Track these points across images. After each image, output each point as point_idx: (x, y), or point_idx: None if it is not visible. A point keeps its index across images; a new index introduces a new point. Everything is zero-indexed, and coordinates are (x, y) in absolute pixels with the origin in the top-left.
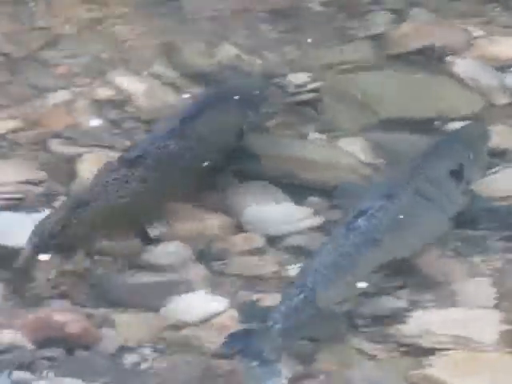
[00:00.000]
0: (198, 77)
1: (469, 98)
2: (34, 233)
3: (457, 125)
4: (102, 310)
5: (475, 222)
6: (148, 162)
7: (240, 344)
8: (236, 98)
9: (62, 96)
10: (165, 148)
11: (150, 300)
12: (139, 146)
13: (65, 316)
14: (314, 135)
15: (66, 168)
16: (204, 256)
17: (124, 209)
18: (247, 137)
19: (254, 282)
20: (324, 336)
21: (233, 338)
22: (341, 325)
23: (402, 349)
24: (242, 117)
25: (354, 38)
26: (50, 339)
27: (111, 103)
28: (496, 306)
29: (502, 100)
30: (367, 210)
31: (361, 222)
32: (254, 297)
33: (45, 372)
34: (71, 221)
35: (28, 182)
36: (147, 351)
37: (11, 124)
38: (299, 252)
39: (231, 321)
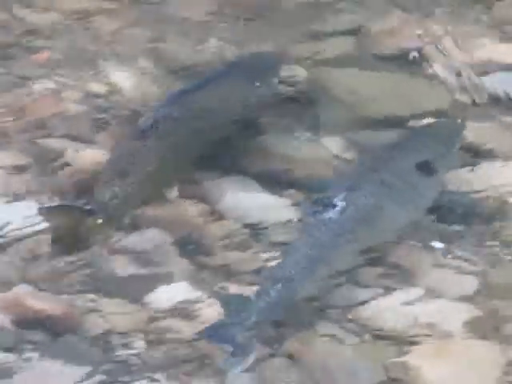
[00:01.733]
0: (182, 71)
1: (443, 95)
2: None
3: (430, 121)
4: (87, 296)
5: (444, 214)
6: (161, 131)
7: (217, 332)
8: (247, 70)
9: (47, 85)
10: (175, 117)
11: (134, 290)
12: (153, 115)
13: (46, 299)
14: (298, 132)
15: (52, 157)
16: (184, 245)
17: (153, 179)
18: (259, 108)
19: (234, 272)
20: (296, 324)
21: (211, 327)
22: (312, 314)
23: (375, 337)
24: (251, 89)
25: (333, 36)
26: (32, 322)
27: (97, 94)
28: (463, 296)
29: (478, 99)
30: (338, 202)
31: (333, 213)
32: (232, 287)
33: (28, 354)
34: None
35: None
36: (130, 337)
37: None
38: (277, 243)
39: (210, 310)
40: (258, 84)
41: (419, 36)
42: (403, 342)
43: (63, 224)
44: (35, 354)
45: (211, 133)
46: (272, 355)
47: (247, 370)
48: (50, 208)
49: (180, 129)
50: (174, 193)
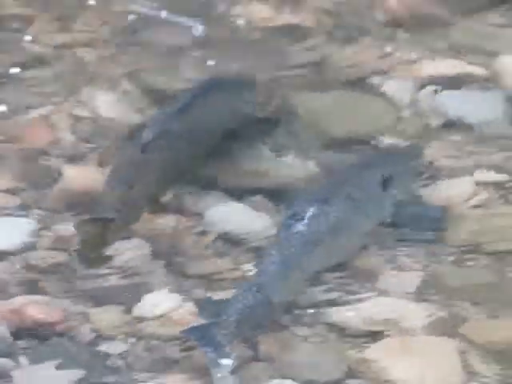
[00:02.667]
0: (159, 97)
1: (401, 116)
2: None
3: (389, 141)
4: (78, 306)
5: (402, 223)
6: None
7: (198, 334)
8: (229, 90)
9: (39, 112)
10: (173, 129)
11: (120, 298)
12: (150, 129)
13: (41, 308)
14: (266, 151)
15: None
16: (164, 255)
17: (154, 188)
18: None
19: (211, 280)
20: (268, 325)
21: (192, 329)
22: (283, 315)
23: (338, 334)
24: (234, 107)
25: (297, 62)
26: (26, 329)
27: (83, 119)
28: (420, 296)
29: (433, 120)
30: (308, 214)
31: (305, 224)
32: (210, 294)
33: (21, 358)
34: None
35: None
36: (117, 341)
37: None
38: (253, 251)
39: (190, 315)
40: (239, 102)
41: (381, 60)
42: (362, 337)
43: (92, 236)
44: (29, 359)
45: (200, 146)
46: (250, 355)
47: (232, 371)
48: (82, 221)
49: (175, 142)
50: (168, 201)
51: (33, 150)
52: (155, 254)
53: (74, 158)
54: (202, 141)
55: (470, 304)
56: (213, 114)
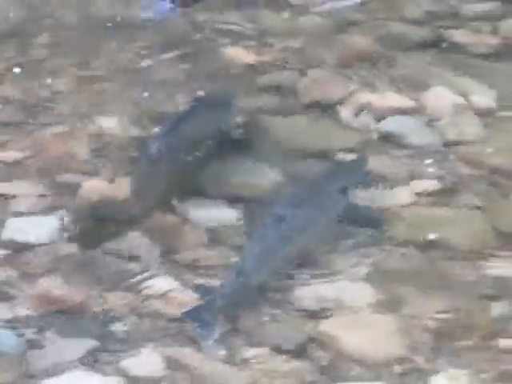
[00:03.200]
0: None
1: (351, 135)
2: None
3: (343, 155)
4: (93, 289)
5: (352, 222)
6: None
7: (192, 313)
8: (216, 105)
9: (59, 130)
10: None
11: (128, 281)
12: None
13: (64, 288)
14: (245, 164)
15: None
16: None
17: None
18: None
19: (203, 269)
20: (248, 305)
21: (186, 312)
22: (260, 297)
23: (300, 311)
24: (219, 116)
25: (265, 90)
26: (52, 308)
27: (95, 137)
28: (367, 279)
29: (375, 138)
30: (281, 215)
31: (278, 223)
32: (202, 280)
33: (49, 333)
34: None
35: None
36: (125, 317)
37: (21, 154)
38: (234, 245)
39: (187, 297)
40: (218, 122)
41: (335, 90)
42: (320, 314)
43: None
44: (56, 334)
45: (189, 156)
46: (231, 329)
47: (215, 340)
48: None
49: (175, 154)
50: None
51: (58, 163)
52: (157, 246)
53: (89, 172)
54: (190, 152)
55: (407, 287)
56: (197, 132)
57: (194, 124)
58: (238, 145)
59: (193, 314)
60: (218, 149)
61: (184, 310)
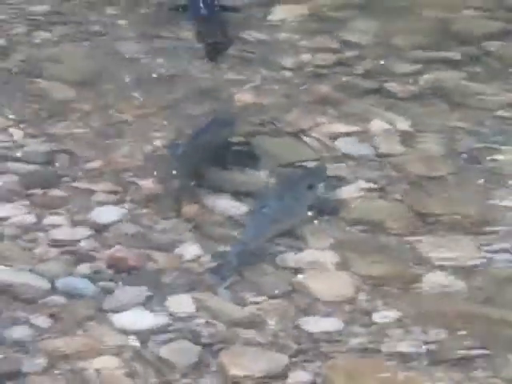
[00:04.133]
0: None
1: (317, 152)
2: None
3: (310, 164)
4: (148, 252)
5: (317, 209)
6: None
7: (212, 270)
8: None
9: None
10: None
11: (169, 247)
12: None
13: (127, 253)
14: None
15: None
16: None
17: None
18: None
19: (217, 241)
20: (249, 263)
21: (209, 267)
22: (256, 258)
23: (284, 269)
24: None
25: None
26: (119, 267)
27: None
28: (329, 248)
29: (332, 153)
30: (269, 204)
31: (267, 209)
32: (220, 247)
33: (118, 282)
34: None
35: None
36: (168, 271)
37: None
38: (238, 224)
39: (207, 259)
40: (225, 134)
41: (305, 122)
42: (298, 271)
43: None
44: (122, 284)
45: (205, 157)
46: (238, 280)
47: (227, 287)
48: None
49: (193, 153)
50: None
51: (121, 167)
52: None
53: (141, 174)
54: (206, 154)
55: (357, 254)
56: (210, 140)
57: (208, 135)
58: (241, 155)
59: (212, 270)
60: (226, 156)
61: (206, 267)
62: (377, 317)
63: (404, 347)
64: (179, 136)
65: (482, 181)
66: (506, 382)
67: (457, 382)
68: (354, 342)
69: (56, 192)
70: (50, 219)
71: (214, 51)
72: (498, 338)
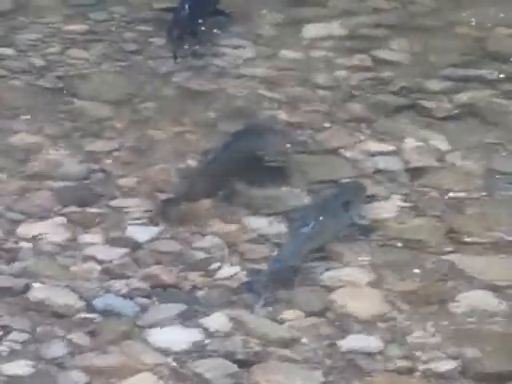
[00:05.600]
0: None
1: (351, 169)
2: None
3: (344, 182)
4: (183, 270)
5: (355, 229)
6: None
7: (247, 287)
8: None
9: (159, 166)
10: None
11: (203, 266)
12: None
13: (163, 270)
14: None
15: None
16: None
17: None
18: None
19: (252, 259)
20: (285, 281)
21: (243, 285)
22: (292, 276)
23: (321, 287)
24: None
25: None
26: (155, 284)
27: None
28: (367, 266)
29: (369, 170)
30: (306, 222)
31: (304, 228)
32: (255, 265)
33: (153, 300)
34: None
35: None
36: (207, 289)
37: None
38: (274, 243)
39: (243, 276)
40: (260, 142)
41: (343, 140)
42: (334, 289)
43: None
44: (158, 301)
45: (235, 167)
46: (274, 297)
47: (262, 305)
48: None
49: (223, 162)
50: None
51: (158, 187)
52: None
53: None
54: (235, 164)
55: (393, 272)
56: (240, 150)
57: (238, 145)
58: (273, 171)
59: (248, 288)
60: (257, 170)
61: (242, 285)
62: (413, 335)
63: (439, 366)
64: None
65: None
66: None
67: None
68: (390, 360)
69: (92, 210)
70: (85, 237)
71: (175, 46)
72: None
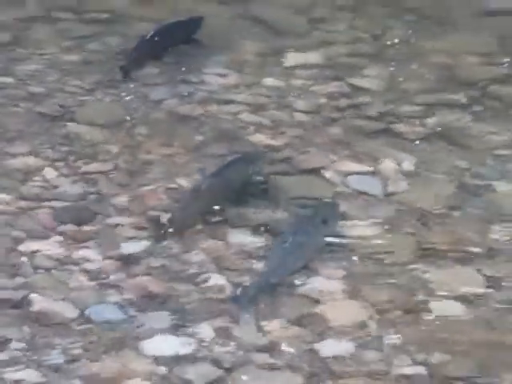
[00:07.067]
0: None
1: (329, 188)
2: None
3: (325, 199)
4: (171, 282)
5: (331, 244)
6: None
7: (233, 300)
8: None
9: (151, 187)
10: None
11: (192, 279)
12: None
13: (154, 283)
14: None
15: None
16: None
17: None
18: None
19: (237, 271)
20: (270, 294)
21: (231, 298)
22: (276, 289)
23: (302, 298)
24: (247, 172)
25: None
26: (145, 295)
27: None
28: (343, 278)
29: (344, 189)
30: (287, 239)
31: (285, 244)
32: (240, 279)
33: (144, 310)
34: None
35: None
36: (195, 301)
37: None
38: (260, 257)
39: (229, 288)
40: (251, 169)
41: (321, 160)
42: (314, 300)
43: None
44: (149, 311)
45: (225, 193)
46: (259, 308)
47: (247, 315)
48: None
49: (213, 188)
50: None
51: (150, 207)
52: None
53: (166, 210)
54: (225, 190)
55: (366, 284)
56: (231, 176)
57: (232, 172)
58: (258, 192)
59: (234, 299)
60: (245, 193)
61: (228, 297)
62: (386, 342)
63: (409, 370)
64: (202, 174)
65: (482, 214)
66: None
67: None
68: (364, 364)
69: (87, 227)
70: (81, 252)
71: (124, 70)
72: (496, 360)
